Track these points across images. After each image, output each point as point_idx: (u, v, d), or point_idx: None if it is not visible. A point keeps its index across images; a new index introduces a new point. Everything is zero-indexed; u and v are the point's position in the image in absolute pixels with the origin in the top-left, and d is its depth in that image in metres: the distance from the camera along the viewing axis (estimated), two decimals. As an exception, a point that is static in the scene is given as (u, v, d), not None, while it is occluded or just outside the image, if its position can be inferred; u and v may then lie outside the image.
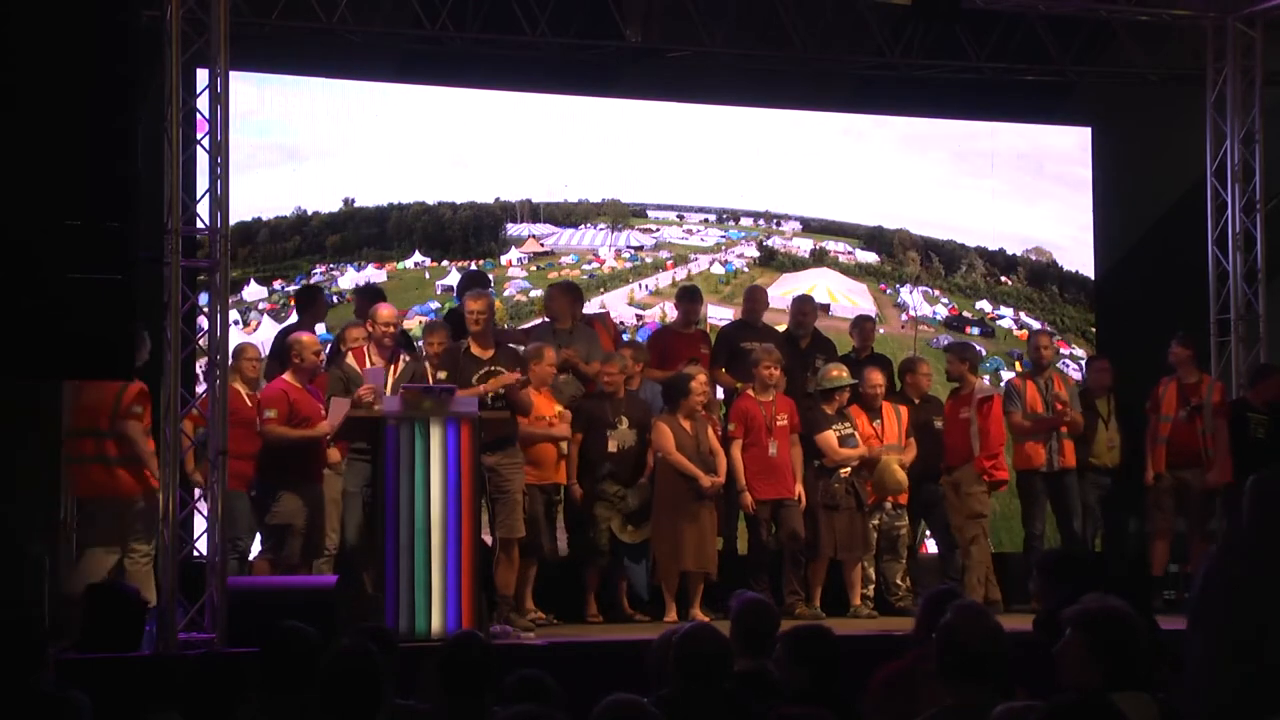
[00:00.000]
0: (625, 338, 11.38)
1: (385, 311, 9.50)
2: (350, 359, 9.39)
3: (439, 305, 11.46)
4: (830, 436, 10.36)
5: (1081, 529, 10.93)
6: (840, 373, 10.47)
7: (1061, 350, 12.70)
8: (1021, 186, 13.16)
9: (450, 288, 11.52)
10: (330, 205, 11.65)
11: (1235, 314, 11.39)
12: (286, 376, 9.23)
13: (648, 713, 4.10)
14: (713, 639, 4.96)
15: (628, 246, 12.37)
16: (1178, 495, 10.89)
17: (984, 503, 10.56)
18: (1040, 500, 10.87)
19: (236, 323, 10.78)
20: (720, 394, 10.79)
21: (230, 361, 9.39)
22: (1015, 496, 11.26)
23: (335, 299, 11.34)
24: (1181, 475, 10.84)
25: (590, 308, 11.24)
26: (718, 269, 12.58)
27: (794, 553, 10.23)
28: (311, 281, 11.35)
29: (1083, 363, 12.73)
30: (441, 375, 9.11)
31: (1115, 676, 4.29)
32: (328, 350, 9.83)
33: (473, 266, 11.70)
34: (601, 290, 12.12)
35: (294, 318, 10.92)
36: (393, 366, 9.33)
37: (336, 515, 9.40)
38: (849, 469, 10.37)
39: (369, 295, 10.40)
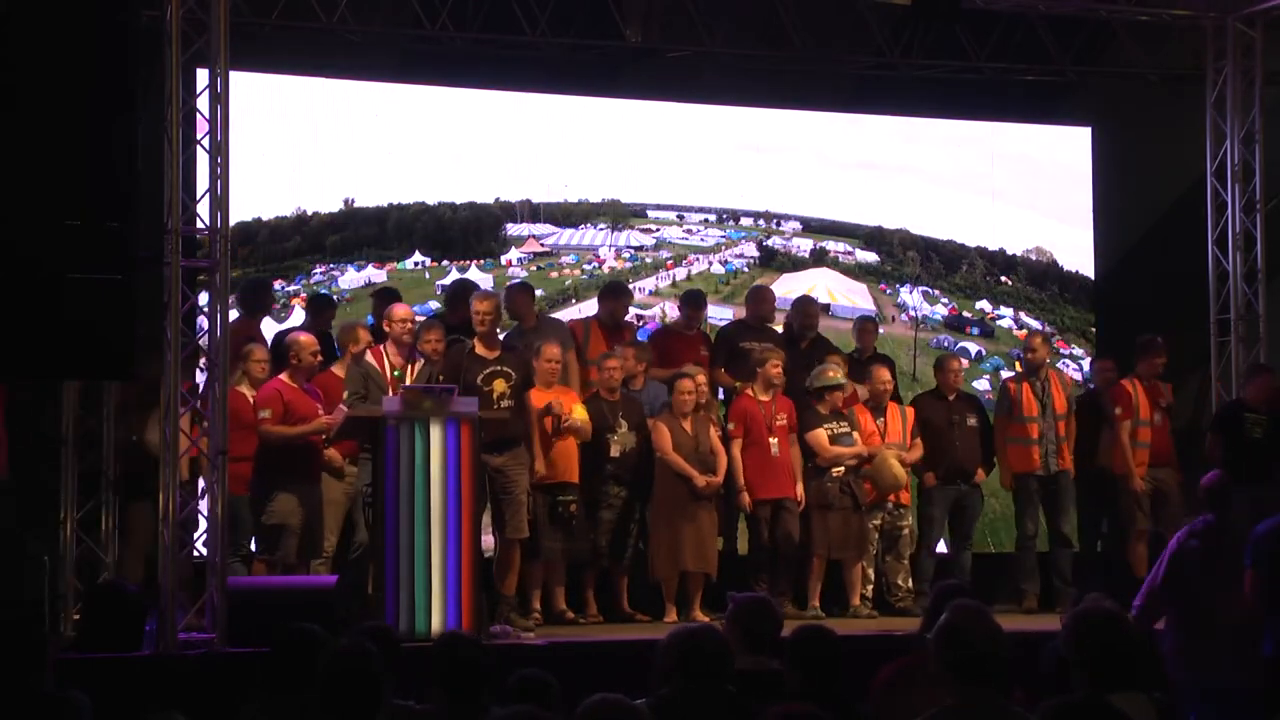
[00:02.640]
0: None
1: (401, 310, 9.46)
2: (369, 357, 9.37)
3: (439, 306, 11.45)
4: (821, 435, 10.33)
5: (1075, 531, 10.94)
6: (835, 373, 10.43)
7: (1061, 350, 12.71)
8: (1021, 186, 13.15)
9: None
10: (330, 205, 11.64)
11: (1235, 314, 11.39)
12: (283, 376, 9.23)
13: (634, 711, 4.10)
14: (713, 639, 4.95)
15: (628, 246, 12.36)
16: (1153, 495, 10.90)
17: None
18: (1034, 501, 10.87)
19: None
20: (720, 394, 10.79)
21: (239, 364, 9.43)
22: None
23: (336, 299, 11.31)
24: (1157, 474, 10.88)
25: (589, 309, 11.22)
26: (718, 269, 12.57)
27: (786, 554, 10.20)
28: (312, 282, 11.34)
29: (1084, 363, 12.74)
30: (440, 379, 9.08)
31: (1106, 677, 4.29)
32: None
33: (473, 267, 11.69)
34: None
35: (294, 317, 10.93)
36: (410, 366, 9.31)
37: (334, 516, 9.40)
38: (843, 468, 10.36)
39: (385, 297, 10.37)
